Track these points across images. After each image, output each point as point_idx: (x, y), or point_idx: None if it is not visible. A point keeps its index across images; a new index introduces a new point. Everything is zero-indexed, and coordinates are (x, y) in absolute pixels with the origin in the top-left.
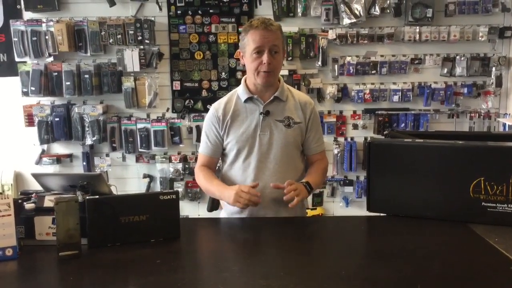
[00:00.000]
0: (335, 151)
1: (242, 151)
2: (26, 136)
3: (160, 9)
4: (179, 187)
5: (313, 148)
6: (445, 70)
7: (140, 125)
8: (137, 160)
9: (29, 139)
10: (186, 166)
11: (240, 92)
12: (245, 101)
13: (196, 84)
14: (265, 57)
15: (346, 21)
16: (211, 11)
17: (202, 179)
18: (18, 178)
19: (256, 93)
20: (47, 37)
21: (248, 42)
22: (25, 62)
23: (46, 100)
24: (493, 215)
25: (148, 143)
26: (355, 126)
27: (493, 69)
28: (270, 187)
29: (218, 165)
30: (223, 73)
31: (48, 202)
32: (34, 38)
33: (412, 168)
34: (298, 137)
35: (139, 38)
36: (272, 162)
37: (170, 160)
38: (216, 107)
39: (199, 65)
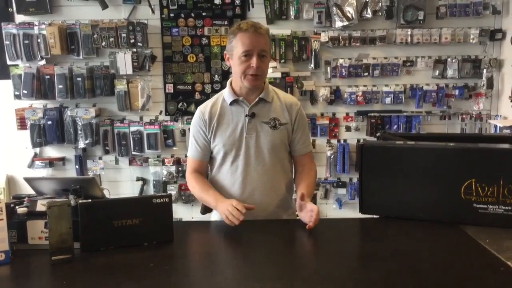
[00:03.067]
0: (328, 153)
1: (229, 154)
2: (18, 140)
3: (153, 11)
4: (173, 190)
5: (300, 149)
6: (437, 72)
7: (133, 128)
8: (130, 163)
9: (21, 142)
10: (180, 169)
11: (225, 94)
12: (231, 103)
13: (189, 87)
14: (254, 61)
15: (339, 23)
16: (203, 13)
17: (197, 187)
18: (11, 181)
19: (241, 95)
20: (39, 40)
21: (237, 45)
22: (17, 65)
23: (39, 103)
24: (484, 217)
25: (141, 146)
26: (348, 128)
27: (484, 71)
28: (260, 190)
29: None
30: (216, 76)
31: (41, 206)
32: (26, 41)
33: (404, 170)
34: (284, 138)
35: (132, 41)
36: (259, 164)
37: (163, 163)
38: (202, 110)
39: (192, 68)
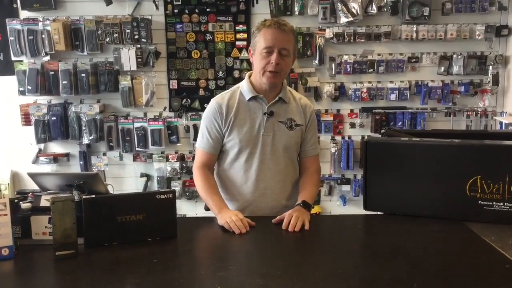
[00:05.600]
0: (333, 150)
1: (244, 151)
2: (23, 135)
3: (157, 7)
4: (177, 186)
5: (308, 150)
6: (442, 69)
7: (137, 124)
8: (134, 159)
9: (26, 138)
10: (184, 165)
11: (244, 89)
12: (249, 99)
13: (193, 83)
14: (273, 57)
15: (343, 19)
16: (208, 9)
17: (202, 187)
18: (15, 177)
19: (261, 92)
20: (43, 36)
21: (259, 40)
22: (21, 61)
23: (43, 99)
24: (489, 214)
25: (145, 142)
26: (352, 125)
27: (490, 67)
28: (272, 189)
29: None
30: (220, 72)
31: (45, 201)
32: (31, 37)
33: (409, 167)
34: (298, 139)
35: (136, 37)
36: (274, 163)
37: (167, 159)
38: (219, 102)
39: (196, 64)
